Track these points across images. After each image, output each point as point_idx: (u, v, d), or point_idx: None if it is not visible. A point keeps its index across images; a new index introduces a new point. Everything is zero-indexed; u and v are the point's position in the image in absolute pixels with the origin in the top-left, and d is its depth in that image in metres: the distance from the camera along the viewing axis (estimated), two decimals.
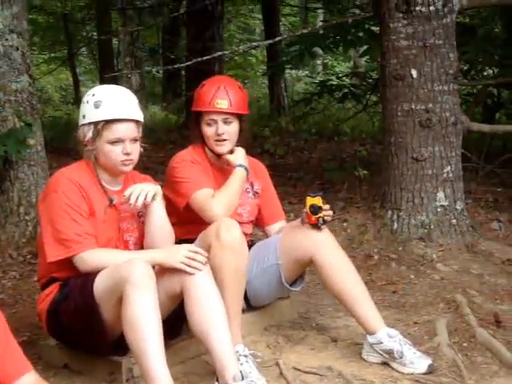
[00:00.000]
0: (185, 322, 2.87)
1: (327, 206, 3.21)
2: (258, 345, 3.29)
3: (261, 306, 3.51)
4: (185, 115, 11.91)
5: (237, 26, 20.01)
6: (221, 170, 3.43)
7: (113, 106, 2.87)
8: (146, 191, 2.86)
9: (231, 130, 3.34)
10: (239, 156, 3.37)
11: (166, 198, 3.23)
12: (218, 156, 3.40)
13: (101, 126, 2.86)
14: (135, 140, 2.91)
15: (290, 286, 3.38)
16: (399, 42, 4.82)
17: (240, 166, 3.33)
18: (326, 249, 3.20)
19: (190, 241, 3.13)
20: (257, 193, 3.54)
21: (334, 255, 3.22)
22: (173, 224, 3.08)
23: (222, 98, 3.30)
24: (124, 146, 2.87)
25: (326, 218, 3.18)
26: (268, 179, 3.64)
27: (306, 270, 3.44)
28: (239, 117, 3.37)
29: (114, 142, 2.87)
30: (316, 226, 3.19)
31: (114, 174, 2.96)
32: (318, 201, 3.16)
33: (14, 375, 2.09)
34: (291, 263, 3.29)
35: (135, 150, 2.91)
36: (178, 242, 3.09)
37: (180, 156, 3.40)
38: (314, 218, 3.17)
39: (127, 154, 2.88)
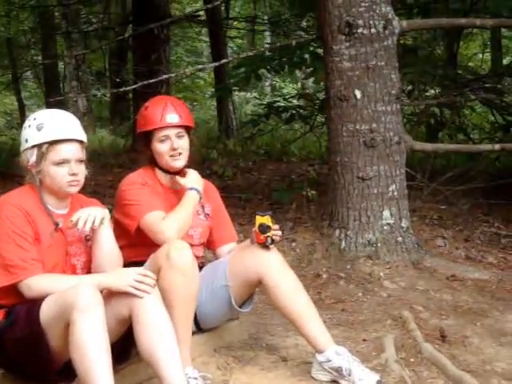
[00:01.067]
0: (133, 346, 2.85)
1: (276, 226, 3.23)
2: (208, 366, 3.28)
3: (211, 328, 3.51)
4: (132, 138, 11.86)
5: (184, 48, 20.07)
6: (172, 190, 3.43)
7: (56, 128, 2.87)
8: (94, 215, 2.84)
9: (184, 144, 3.37)
10: (192, 179, 3.37)
11: (115, 221, 3.24)
12: (172, 173, 3.40)
13: (45, 148, 2.85)
14: (80, 161, 2.90)
15: (240, 307, 3.38)
16: (342, 64, 4.91)
17: (191, 189, 3.33)
18: (274, 269, 3.21)
19: (140, 263, 3.12)
20: (208, 215, 3.53)
21: (283, 275, 3.23)
22: (122, 246, 3.08)
23: (172, 112, 3.33)
24: (70, 167, 2.86)
25: (274, 237, 3.20)
26: (219, 200, 3.64)
27: (255, 291, 3.46)
28: (188, 131, 3.40)
29: (59, 163, 2.86)
30: (264, 246, 3.20)
31: (61, 197, 2.94)
32: (267, 220, 3.18)
33: None
34: (240, 284, 3.30)
35: (81, 171, 2.90)
36: (127, 264, 3.08)
37: (129, 178, 3.38)
38: (262, 237, 3.18)
39: (73, 174, 2.87)
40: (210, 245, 3.61)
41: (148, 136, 3.35)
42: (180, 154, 3.35)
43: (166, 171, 3.41)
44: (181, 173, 3.40)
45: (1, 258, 2.75)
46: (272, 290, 3.23)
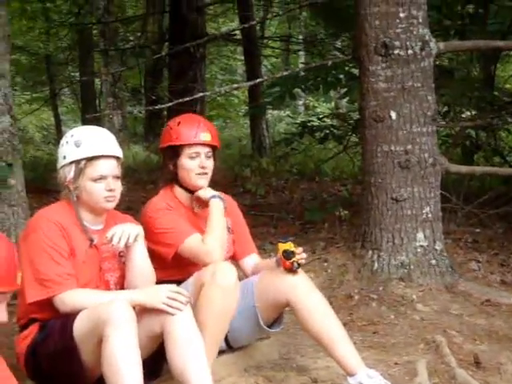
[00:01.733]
0: (165, 363, 2.86)
1: (300, 249, 3.22)
2: None
3: (241, 347, 3.49)
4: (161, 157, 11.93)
5: (219, 66, 20.20)
6: (191, 208, 3.45)
7: (93, 144, 2.91)
8: (128, 232, 2.86)
9: (211, 164, 3.40)
10: (208, 190, 3.39)
11: (148, 248, 3.18)
12: (192, 193, 3.41)
13: (83, 164, 2.88)
14: (117, 177, 2.94)
15: (269, 327, 3.37)
16: (378, 85, 4.89)
17: (213, 197, 3.35)
18: (301, 292, 3.20)
19: (171, 282, 3.12)
20: (229, 228, 3.54)
21: (310, 298, 3.22)
22: (155, 268, 3.08)
23: (205, 131, 3.37)
24: (107, 183, 2.90)
25: (300, 261, 3.19)
26: (238, 212, 3.63)
27: (284, 311, 3.43)
28: (214, 153, 3.42)
29: (96, 179, 2.89)
30: (291, 270, 3.19)
31: (97, 213, 2.97)
32: (289, 246, 3.17)
33: None
34: (268, 306, 3.29)
35: (118, 187, 2.94)
36: (160, 283, 3.08)
37: (154, 204, 3.38)
38: (288, 262, 3.18)
39: (110, 190, 2.90)
40: (233, 257, 3.59)
41: (177, 151, 3.36)
42: (206, 173, 3.37)
43: (187, 189, 3.42)
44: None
45: (36, 272, 2.78)
46: (300, 313, 3.22)
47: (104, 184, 2.90)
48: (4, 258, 1.98)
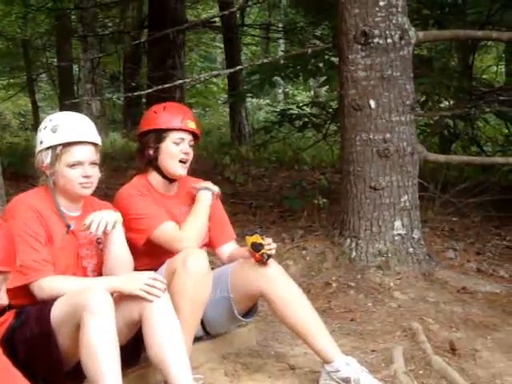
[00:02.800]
0: (143, 350, 2.86)
1: (268, 240, 3.21)
2: (216, 372, 3.28)
3: (219, 334, 3.50)
4: (138, 142, 11.87)
5: (198, 54, 20.14)
6: (167, 196, 3.43)
7: (70, 130, 2.89)
8: (106, 219, 2.85)
9: (192, 153, 3.39)
10: (201, 182, 3.38)
11: None
12: (169, 181, 3.40)
13: (59, 149, 2.86)
14: (94, 164, 2.92)
15: (244, 316, 3.37)
16: (357, 73, 4.90)
17: (206, 188, 3.37)
18: (274, 283, 3.19)
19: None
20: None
21: (284, 289, 3.21)
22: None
23: (191, 119, 3.38)
24: (83, 169, 2.87)
25: (269, 252, 3.18)
26: (217, 200, 3.60)
27: (257, 301, 3.41)
28: (195, 141, 3.42)
29: (73, 165, 2.87)
30: (262, 262, 3.19)
31: (73, 199, 2.95)
32: (256, 238, 3.17)
33: None
34: (242, 296, 3.28)
35: (95, 173, 2.92)
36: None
37: (126, 190, 3.35)
38: (257, 255, 3.17)
39: (86, 176, 2.88)
40: (209, 244, 3.58)
41: (162, 135, 3.34)
42: (187, 161, 3.36)
43: (163, 175, 3.40)
44: (175, 181, 3.43)
45: None
46: (274, 305, 3.23)
47: (80, 170, 2.88)
48: (5, 237, 2.00)
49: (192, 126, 3.36)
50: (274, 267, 3.23)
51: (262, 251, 3.16)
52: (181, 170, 3.37)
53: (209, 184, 3.46)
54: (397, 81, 4.89)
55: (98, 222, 2.82)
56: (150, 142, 3.37)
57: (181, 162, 3.35)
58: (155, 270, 3.14)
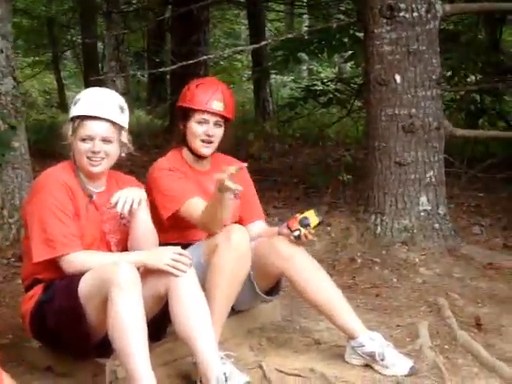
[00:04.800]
0: (169, 324, 2.88)
1: (313, 231, 3.16)
2: (241, 347, 3.30)
3: (244, 310, 3.51)
4: (169, 120, 11.90)
5: (222, 30, 20.04)
6: (200, 172, 3.43)
7: (87, 104, 2.89)
8: (132, 197, 2.85)
9: (219, 133, 3.35)
10: (227, 180, 3.12)
11: (150, 205, 3.24)
12: (199, 158, 3.40)
13: (77, 122, 2.88)
14: (108, 141, 2.89)
15: (268, 293, 3.37)
16: (383, 48, 4.85)
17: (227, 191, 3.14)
18: (296, 265, 3.17)
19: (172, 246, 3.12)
20: (237, 194, 3.51)
21: (304, 268, 3.19)
22: (158, 231, 3.07)
23: (219, 99, 3.31)
24: (92, 144, 2.87)
25: (303, 234, 3.12)
26: (247, 178, 3.58)
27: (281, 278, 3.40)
28: (226, 122, 3.38)
29: (84, 139, 2.87)
30: (289, 232, 3.14)
31: (88, 174, 2.94)
32: (314, 220, 3.12)
33: None
34: (263, 275, 3.28)
35: (108, 150, 2.89)
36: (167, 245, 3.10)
37: (158, 164, 3.36)
38: (295, 226, 3.13)
39: (94, 152, 2.87)
40: (239, 222, 3.54)
41: (188, 113, 3.33)
42: (211, 142, 3.34)
43: (193, 152, 3.40)
44: (206, 158, 3.40)
45: (43, 232, 2.79)
46: (295, 285, 3.23)
47: (90, 145, 2.87)
48: None
49: (218, 107, 3.29)
50: (296, 248, 3.20)
51: (301, 229, 3.10)
52: (204, 150, 3.35)
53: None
54: (423, 55, 4.83)
55: (124, 200, 2.83)
56: (180, 118, 3.38)
57: (203, 141, 3.33)
58: (183, 245, 3.16)
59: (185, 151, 3.42)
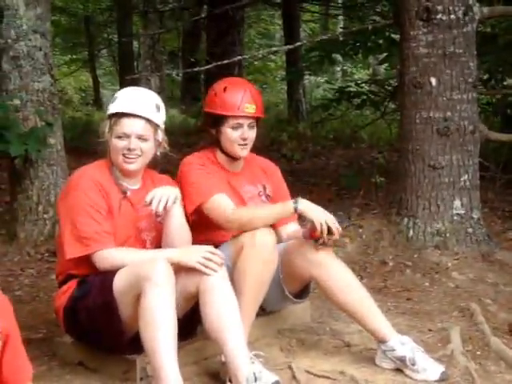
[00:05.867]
0: (199, 323, 2.89)
1: (336, 237, 3.11)
2: (271, 348, 3.30)
3: (274, 310, 3.51)
4: (203, 119, 11.95)
5: (257, 31, 20.07)
6: (232, 173, 3.42)
7: (124, 102, 2.92)
8: (167, 196, 2.87)
9: (253, 134, 3.33)
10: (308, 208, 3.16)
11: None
12: (233, 159, 3.40)
13: (113, 120, 2.91)
14: (144, 139, 2.91)
15: (297, 296, 3.36)
16: (419, 50, 4.82)
17: (296, 207, 3.13)
18: (323, 268, 3.15)
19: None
20: (269, 196, 3.49)
21: (333, 273, 3.16)
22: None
23: (250, 102, 3.28)
24: (128, 141, 2.89)
25: (327, 241, 3.09)
26: (280, 178, 3.57)
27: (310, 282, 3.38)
28: (258, 121, 3.38)
29: (119, 137, 2.90)
30: (313, 239, 3.12)
31: (123, 172, 2.97)
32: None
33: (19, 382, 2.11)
34: (292, 278, 3.27)
35: (143, 148, 2.92)
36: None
37: (188, 159, 3.36)
38: (317, 233, 3.08)
39: (129, 149, 2.89)
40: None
41: (220, 119, 3.29)
42: (247, 144, 3.33)
43: (227, 154, 3.37)
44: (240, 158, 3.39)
45: (76, 229, 2.82)
46: (324, 290, 3.21)
47: (126, 142, 2.90)
48: None
49: (250, 110, 3.27)
50: (325, 253, 3.18)
51: (324, 235, 3.06)
52: (241, 152, 3.33)
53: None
54: (459, 58, 4.79)
55: (158, 199, 2.84)
56: (210, 124, 3.36)
57: (240, 145, 3.32)
58: (215, 246, 3.17)
59: (218, 152, 3.40)
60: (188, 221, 3.15)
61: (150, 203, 2.85)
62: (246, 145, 3.31)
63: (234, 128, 3.28)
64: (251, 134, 3.32)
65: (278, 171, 3.61)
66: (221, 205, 3.17)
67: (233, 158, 3.39)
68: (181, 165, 3.35)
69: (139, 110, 2.91)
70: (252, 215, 3.13)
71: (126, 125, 2.89)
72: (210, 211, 3.20)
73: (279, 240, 3.41)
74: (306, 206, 3.11)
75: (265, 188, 3.49)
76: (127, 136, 2.89)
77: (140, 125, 2.90)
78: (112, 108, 2.92)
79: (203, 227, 3.24)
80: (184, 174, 3.29)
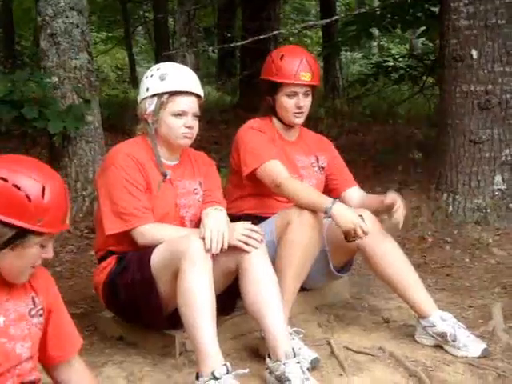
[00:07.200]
0: (238, 299, 2.89)
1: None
2: (309, 324, 3.30)
3: (313, 288, 3.50)
4: (240, 95, 11.92)
5: (292, 7, 19.91)
6: (288, 141, 3.43)
7: (178, 79, 2.92)
8: (222, 233, 2.71)
9: (308, 102, 3.34)
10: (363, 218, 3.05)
11: (231, 169, 3.33)
12: (289, 127, 3.40)
13: (165, 98, 2.90)
14: (196, 116, 2.94)
15: (339, 271, 3.35)
16: (459, 22, 4.74)
17: (327, 210, 3.00)
18: (372, 239, 3.11)
19: (252, 217, 3.15)
20: (322, 167, 3.51)
21: (381, 244, 3.15)
22: (235, 199, 3.22)
23: (306, 70, 3.28)
24: (187, 120, 2.90)
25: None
26: (333, 150, 3.58)
27: (354, 255, 3.39)
28: (313, 90, 3.37)
29: (177, 115, 2.90)
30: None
31: (172, 148, 2.98)
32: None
33: (70, 352, 2.13)
34: (338, 251, 3.26)
35: (196, 125, 2.95)
36: (240, 216, 3.15)
37: (249, 123, 3.38)
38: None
39: (189, 127, 2.91)
40: (335, 193, 3.52)
41: (276, 86, 3.31)
42: (302, 112, 3.32)
43: (283, 122, 3.39)
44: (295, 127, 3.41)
45: (115, 205, 2.83)
46: (370, 259, 3.19)
47: (184, 120, 2.90)
48: (54, 201, 1.88)
49: (306, 78, 3.27)
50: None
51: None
52: (297, 120, 3.34)
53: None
54: (502, 29, 4.70)
55: (214, 241, 2.68)
56: (266, 91, 3.37)
57: (295, 113, 3.32)
58: (260, 217, 3.18)
59: (274, 119, 3.41)
60: (243, 188, 3.26)
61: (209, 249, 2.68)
62: (301, 113, 3.32)
63: (290, 96, 3.29)
64: (306, 102, 3.33)
65: (332, 145, 3.63)
66: (273, 171, 3.18)
67: (288, 126, 3.40)
68: (239, 129, 3.37)
69: (194, 88, 2.94)
70: (299, 191, 3.10)
71: (185, 103, 2.91)
72: (263, 177, 3.21)
73: (348, 204, 3.29)
74: (339, 211, 2.99)
75: (317, 159, 3.50)
76: (185, 114, 2.91)
77: (195, 102, 2.94)
78: (165, 86, 2.90)
79: (255, 195, 3.30)
80: (242, 138, 3.31)
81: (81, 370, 2.16)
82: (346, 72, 14.32)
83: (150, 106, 2.92)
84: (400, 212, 3.18)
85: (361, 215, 3.03)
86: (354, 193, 3.51)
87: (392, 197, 3.24)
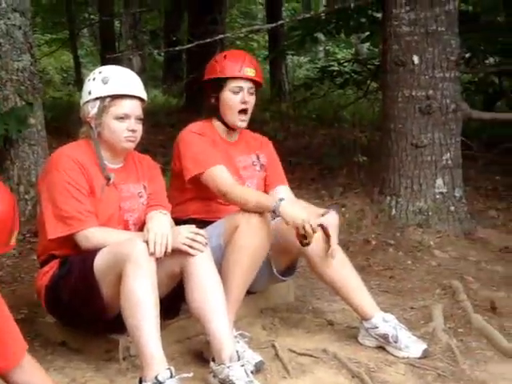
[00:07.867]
0: (183, 302, 2.89)
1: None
2: (253, 327, 3.31)
3: (257, 291, 3.51)
4: (185, 98, 11.89)
5: (239, 11, 19.95)
6: (229, 142, 3.43)
7: (121, 82, 2.90)
8: (165, 237, 2.72)
9: (253, 101, 3.35)
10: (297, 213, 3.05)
11: (174, 173, 3.32)
12: (230, 129, 3.40)
13: (108, 101, 2.88)
14: (140, 119, 2.93)
15: (282, 274, 3.36)
16: (401, 28, 4.81)
17: (275, 208, 3.03)
18: (314, 242, 3.10)
19: (197, 221, 3.13)
20: (263, 165, 3.52)
21: (323, 247, 3.17)
22: (179, 203, 3.21)
23: (250, 66, 3.33)
24: (130, 123, 2.89)
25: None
26: (272, 148, 3.61)
27: (297, 259, 3.41)
28: (256, 90, 3.39)
29: (120, 118, 2.89)
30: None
31: (116, 152, 2.96)
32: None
33: (14, 360, 2.10)
34: (280, 254, 3.28)
35: (139, 128, 2.93)
36: (185, 220, 3.13)
37: (189, 127, 3.37)
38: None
39: (132, 130, 2.89)
40: (265, 190, 3.54)
41: (221, 84, 3.32)
42: (246, 111, 3.33)
43: (226, 124, 3.39)
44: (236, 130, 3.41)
45: (57, 209, 2.80)
46: (312, 262, 3.22)
47: (127, 123, 2.89)
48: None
49: (251, 73, 3.31)
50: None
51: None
52: (240, 123, 3.35)
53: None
54: (441, 36, 4.79)
55: (158, 244, 2.68)
56: (210, 91, 3.38)
57: (240, 112, 3.32)
58: (205, 221, 3.17)
59: (215, 122, 3.41)
60: (186, 193, 3.25)
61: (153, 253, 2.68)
62: (246, 113, 3.32)
63: (235, 92, 3.31)
64: (251, 100, 3.35)
65: (271, 144, 3.65)
66: (218, 178, 3.19)
67: (230, 129, 3.40)
68: (180, 134, 3.36)
69: (137, 91, 2.93)
70: (246, 195, 3.12)
71: (127, 106, 2.89)
72: (207, 182, 3.22)
73: None
74: (286, 208, 3.02)
75: (258, 157, 3.52)
76: (128, 117, 2.89)
77: (138, 106, 2.93)
78: (107, 89, 2.88)
79: (198, 199, 3.30)
80: (183, 143, 3.30)
81: (33, 370, 2.14)
82: (292, 76, 14.40)
83: (93, 109, 2.90)
84: (333, 241, 3.15)
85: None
86: (282, 191, 3.49)
87: (329, 221, 3.18)
